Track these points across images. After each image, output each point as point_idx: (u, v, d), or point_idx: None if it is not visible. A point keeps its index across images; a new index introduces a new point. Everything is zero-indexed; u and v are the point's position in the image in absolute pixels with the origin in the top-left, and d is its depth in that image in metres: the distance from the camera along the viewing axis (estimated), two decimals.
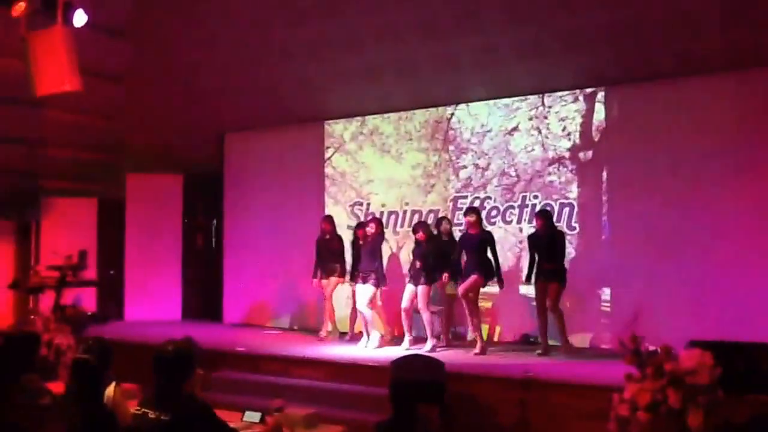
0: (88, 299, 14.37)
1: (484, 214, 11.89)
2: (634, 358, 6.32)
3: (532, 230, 11.10)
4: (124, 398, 5.13)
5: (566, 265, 10.70)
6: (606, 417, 6.37)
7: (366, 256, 11.45)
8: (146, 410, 4.43)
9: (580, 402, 7.84)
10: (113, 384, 4.98)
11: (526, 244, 11.33)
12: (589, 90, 11.48)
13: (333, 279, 12.15)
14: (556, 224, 11.04)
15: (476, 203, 12.24)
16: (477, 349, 10.51)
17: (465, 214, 11.09)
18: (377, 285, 11.32)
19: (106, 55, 12.92)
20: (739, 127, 10.20)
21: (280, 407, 5.55)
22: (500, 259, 10.82)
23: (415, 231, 11.38)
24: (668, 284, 10.42)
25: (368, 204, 13.51)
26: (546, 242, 10.52)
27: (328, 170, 14.05)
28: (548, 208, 11.27)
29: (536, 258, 10.63)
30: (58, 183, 15.41)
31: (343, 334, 12.34)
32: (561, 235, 10.73)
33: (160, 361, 4.49)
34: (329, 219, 12.48)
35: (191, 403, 4.44)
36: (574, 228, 11.41)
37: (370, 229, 11.49)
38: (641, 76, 10.99)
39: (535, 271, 10.59)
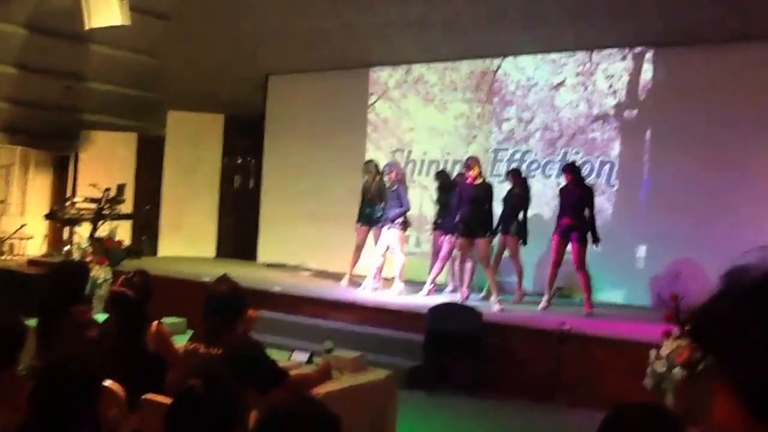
0: (123, 233, 14.50)
1: (524, 166, 11.86)
2: (674, 316, 6.36)
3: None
4: (169, 335, 5.15)
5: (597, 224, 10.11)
6: (641, 373, 6.42)
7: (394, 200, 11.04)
8: (197, 346, 4.47)
9: (615, 357, 7.90)
10: (156, 322, 4.97)
11: None
12: (638, 49, 11.40)
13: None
14: (590, 181, 10.78)
15: (517, 156, 12.23)
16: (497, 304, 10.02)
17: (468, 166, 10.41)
18: (404, 230, 11.09)
19: None
20: None
21: (330, 348, 5.49)
22: (537, 212, 10.67)
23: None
24: (706, 245, 10.34)
25: (409, 151, 13.49)
26: (571, 198, 10.00)
27: (370, 116, 14.04)
28: (576, 163, 10.74)
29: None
30: (98, 117, 15.45)
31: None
32: (589, 193, 10.11)
33: (214, 299, 4.48)
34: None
35: (243, 340, 4.50)
36: (614, 185, 11.37)
37: (393, 175, 11.07)
38: (691, 39, 10.86)
39: (558, 226, 10.12)
